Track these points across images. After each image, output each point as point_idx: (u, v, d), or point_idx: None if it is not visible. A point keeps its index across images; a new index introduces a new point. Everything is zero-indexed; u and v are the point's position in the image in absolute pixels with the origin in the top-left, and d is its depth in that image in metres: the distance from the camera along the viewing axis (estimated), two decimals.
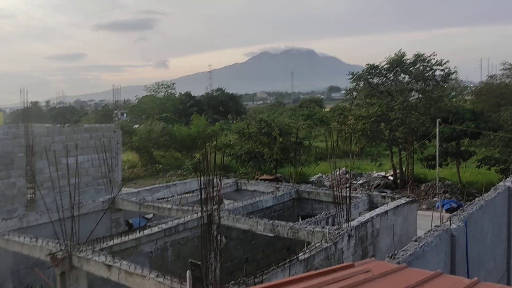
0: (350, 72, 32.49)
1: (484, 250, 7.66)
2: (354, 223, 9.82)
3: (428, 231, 6.13)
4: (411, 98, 32.27)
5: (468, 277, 6.95)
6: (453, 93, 33.42)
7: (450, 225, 6.26)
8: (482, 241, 7.63)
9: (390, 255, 5.17)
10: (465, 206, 8.05)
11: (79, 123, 59.23)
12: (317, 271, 4.04)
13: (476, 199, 8.19)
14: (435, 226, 6.32)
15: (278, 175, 33.54)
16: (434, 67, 31.16)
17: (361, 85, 32.15)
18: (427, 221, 14.83)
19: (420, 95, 32.02)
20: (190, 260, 6.48)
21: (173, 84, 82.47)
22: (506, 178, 28.90)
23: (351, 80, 32.51)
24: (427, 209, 28.05)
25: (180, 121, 60.25)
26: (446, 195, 28.95)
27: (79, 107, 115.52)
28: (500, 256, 8.69)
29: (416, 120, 29.51)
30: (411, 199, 11.80)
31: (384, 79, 32.07)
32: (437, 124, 27.98)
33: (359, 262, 4.68)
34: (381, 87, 31.93)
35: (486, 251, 7.77)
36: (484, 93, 49.68)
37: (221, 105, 79.79)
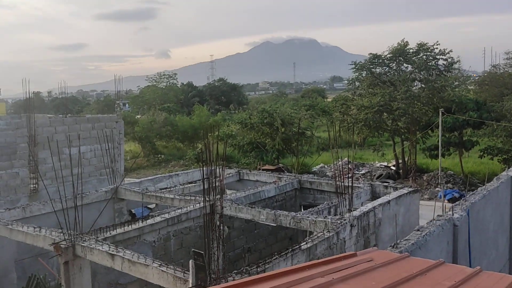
0: (352, 61, 32.33)
1: (486, 240, 7.66)
2: (356, 213, 9.84)
3: (431, 221, 6.14)
4: (414, 88, 32.13)
5: (470, 267, 6.96)
6: (456, 83, 33.20)
7: (453, 214, 6.26)
8: (485, 230, 7.64)
9: (393, 244, 5.17)
10: (468, 196, 8.05)
11: (81, 113, 59.27)
12: (320, 260, 4.05)
13: (479, 188, 8.18)
14: (438, 215, 6.32)
15: (280, 165, 33.57)
16: (437, 57, 30.99)
17: (363, 75, 32.01)
18: (429, 211, 14.86)
19: (423, 85, 31.87)
20: (193, 249, 6.51)
21: (175, 74, 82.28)
22: (508, 168, 28.88)
23: (354, 70, 32.36)
24: (429, 199, 28.08)
25: (182, 112, 60.20)
26: (448, 185, 28.95)
27: (81, 98, 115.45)
28: (503, 246, 8.70)
29: (419, 110, 29.40)
30: (413, 189, 11.80)
31: (387, 68, 31.92)
32: (440, 114, 27.87)
33: (362, 252, 4.69)
34: (383, 77, 31.79)
35: (489, 241, 7.78)
36: (487, 82, 49.37)
37: (223, 95, 79.66)
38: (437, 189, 28.65)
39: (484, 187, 8.13)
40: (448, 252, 6.06)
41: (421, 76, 31.82)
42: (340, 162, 11.39)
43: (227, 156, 33.97)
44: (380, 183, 14.39)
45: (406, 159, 31.93)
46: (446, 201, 25.60)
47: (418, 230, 5.71)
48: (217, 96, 78.97)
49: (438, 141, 28.98)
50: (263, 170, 30.53)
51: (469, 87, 47.57)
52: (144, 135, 43.17)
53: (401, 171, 32.05)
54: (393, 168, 32.99)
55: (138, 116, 60.61)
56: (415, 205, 11.74)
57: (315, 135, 35.59)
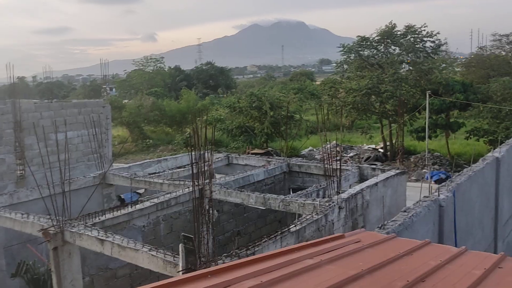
0: (340, 44, 32.27)
1: (472, 220, 7.80)
2: (344, 195, 9.93)
3: (417, 202, 6.22)
4: (402, 70, 32.23)
5: (456, 247, 7.10)
6: (444, 65, 33.37)
7: (439, 195, 6.35)
8: (470, 211, 7.77)
9: (380, 225, 5.24)
10: (454, 177, 8.17)
11: (67, 98, 58.51)
12: (309, 242, 4.10)
13: (465, 170, 8.30)
14: (424, 197, 6.40)
15: (269, 149, 33.66)
16: (425, 39, 31.06)
17: (351, 57, 31.99)
18: (416, 192, 15.03)
19: (410, 67, 31.98)
20: (182, 234, 6.53)
21: (162, 58, 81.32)
22: (494, 149, 29.32)
23: (342, 52, 32.31)
24: (417, 180, 28.43)
25: (169, 96, 59.73)
26: (435, 166, 29.32)
27: (66, 82, 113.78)
28: (488, 226, 8.88)
29: (407, 93, 29.56)
30: (400, 170, 11.93)
31: (375, 51, 31.92)
32: (427, 96, 28.07)
33: (350, 233, 4.75)
34: (371, 59, 31.81)
35: (474, 221, 7.92)
36: (474, 64, 49.74)
37: (211, 79, 79.18)
38: (424, 170, 29.00)
39: (469, 168, 8.25)
40: (434, 233, 6.16)
41: (408, 58, 31.90)
42: (328, 145, 11.47)
43: (216, 140, 33.94)
44: (368, 165, 14.50)
45: (393, 141, 32.20)
46: (433, 182, 26.01)
47: (405, 211, 5.79)
48: (205, 80, 78.46)
49: (425, 123, 29.25)
50: (252, 154, 30.63)
51: (456, 69, 47.91)
52: (131, 120, 42.84)
53: (388, 153, 32.34)
54: (381, 150, 33.28)
55: (126, 101, 60.02)
56: (402, 187, 11.88)
57: (303, 119, 35.63)
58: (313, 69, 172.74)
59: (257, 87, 69.59)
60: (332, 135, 26.34)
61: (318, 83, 78.09)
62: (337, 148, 23.55)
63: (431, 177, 26.98)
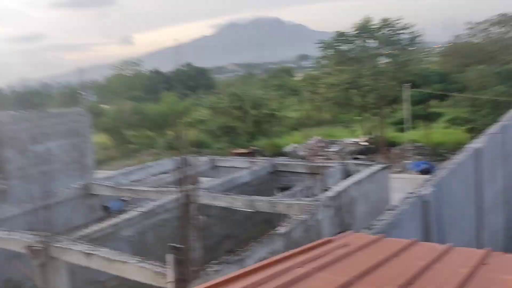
0: (319, 40, 32.40)
1: (456, 211, 7.94)
2: (330, 193, 10.00)
3: (402, 199, 6.30)
4: (380, 63, 32.55)
5: (442, 239, 7.21)
6: (421, 55, 33.77)
7: (423, 191, 6.44)
8: (454, 203, 7.90)
9: (367, 225, 5.30)
10: (436, 170, 8.30)
11: (45, 106, 57.53)
12: (297, 250, 4.10)
13: (446, 162, 8.43)
14: (408, 193, 6.48)
15: (253, 148, 33.69)
16: (400, 32, 31.39)
17: (330, 53, 32.16)
18: (401, 183, 15.23)
19: (388, 59, 32.32)
20: (170, 244, 6.49)
21: (140, 61, 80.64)
22: (474, 137, 29.74)
23: (321, 48, 32.46)
24: (401, 171, 28.82)
25: (150, 99, 59.27)
26: (417, 156, 29.75)
27: (43, 90, 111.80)
28: (472, 216, 9.04)
29: (386, 85, 29.86)
30: (384, 165, 12.06)
31: (352, 45, 32.14)
32: (406, 88, 28.46)
33: (337, 236, 4.77)
34: (350, 53, 32.00)
35: (457, 213, 8.06)
36: (450, 53, 50.60)
37: (191, 80, 78.78)
38: (407, 161, 29.40)
39: (451, 160, 8.38)
40: (420, 228, 6.25)
41: (385, 51, 32.22)
42: (312, 141, 11.59)
43: (199, 142, 33.84)
44: (352, 161, 14.64)
45: (376, 134, 32.53)
46: (416, 172, 26.40)
47: (391, 209, 5.86)
48: (184, 81, 78.06)
49: (405, 115, 29.64)
50: (236, 154, 30.61)
51: (433, 59, 48.66)
52: (112, 126, 42.38)
53: (372, 146, 32.67)
54: (364, 143, 33.58)
55: (105, 106, 59.30)
56: (386, 181, 12.03)
57: (285, 116, 35.77)
58: (292, 65, 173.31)
59: (237, 86, 69.60)
60: (315, 130, 26.66)
61: (298, 78, 78.51)
62: (320, 144, 23.87)
63: (414, 168, 27.41)
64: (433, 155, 29.85)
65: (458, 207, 8.07)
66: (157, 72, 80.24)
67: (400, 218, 5.67)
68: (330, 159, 33.28)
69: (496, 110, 26.86)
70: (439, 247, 4.46)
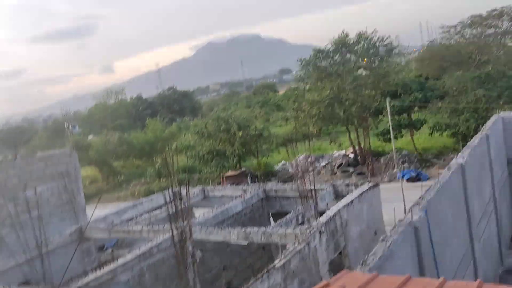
0: (298, 59, 32.86)
1: (446, 231, 8.11)
2: (323, 219, 10.12)
3: (393, 228, 6.45)
4: (360, 74, 33.07)
5: (435, 262, 7.37)
6: (399, 64, 34.35)
7: (412, 218, 6.61)
8: (444, 222, 8.08)
9: (361, 262, 5.43)
10: (424, 177, 8.48)
11: (30, 144, 56.96)
12: None
13: (432, 183, 8.62)
14: (398, 221, 6.64)
15: (243, 169, 33.74)
16: (377, 44, 32.05)
17: (310, 70, 32.61)
18: (391, 193, 15.34)
19: (368, 72, 32.87)
20: None
21: (123, 89, 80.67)
22: (457, 141, 30.06)
23: (300, 66, 32.90)
24: (389, 181, 29.11)
25: (135, 127, 59.14)
26: (404, 165, 30.10)
27: (28, 126, 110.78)
28: (463, 231, 9.23)
29: (367, 97, 30.34)
30: (373, 184, 12.26)
31: (331, 61, 32.66)
32: (387, 100, 29.01)
33: (333, 279, 4.90)
34: (329, 69, 32.49)
35: (449, 231, 8.24)
36: (427, 58, 51.59)
37: (175, 104, 78.90)
38: (395, 170, 29.73)
39: (437, 180, 8.59)
40: (413, 256, 6.40)
41: (364, 64, 32.80)
42: (299, 159, 11.67)
43: (188, 167, 33.80)
44: (342, 181, 14.83)
45: (362, 145, 32.89)
46: (405, 181, 26.68)
47: (382, 240, 6.00)
48: (169, 106, 78.10)
49: (389, 125, 30.10)
50: (226, 177, 30.61)
51: (412, 66, 49.53)
52: (100, 158, 42.16)
53: (359, 157, 32.99)
54: (351, 155, 33.91)
55: (90, 137, 58.97)
56: (377, 199, 12.21)
57: (272, 133, 35.96)
58: (274, 80, 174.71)
59: (222, 106, 69.83)
60: (302, 146, 26.90)
61: (281, 93, 79.17)
62: (309, 160, 24.02)
63: (403, 176, 27.73)
64: (420, 161, 30.27)
65: (449, 226, 8.25)
66: (140, 99, 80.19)
67: (392, 249, 5.82)
68: (320, 172, 33.57)
69: (477, 113, 27.46)
70: (433, 282, 4.61)
